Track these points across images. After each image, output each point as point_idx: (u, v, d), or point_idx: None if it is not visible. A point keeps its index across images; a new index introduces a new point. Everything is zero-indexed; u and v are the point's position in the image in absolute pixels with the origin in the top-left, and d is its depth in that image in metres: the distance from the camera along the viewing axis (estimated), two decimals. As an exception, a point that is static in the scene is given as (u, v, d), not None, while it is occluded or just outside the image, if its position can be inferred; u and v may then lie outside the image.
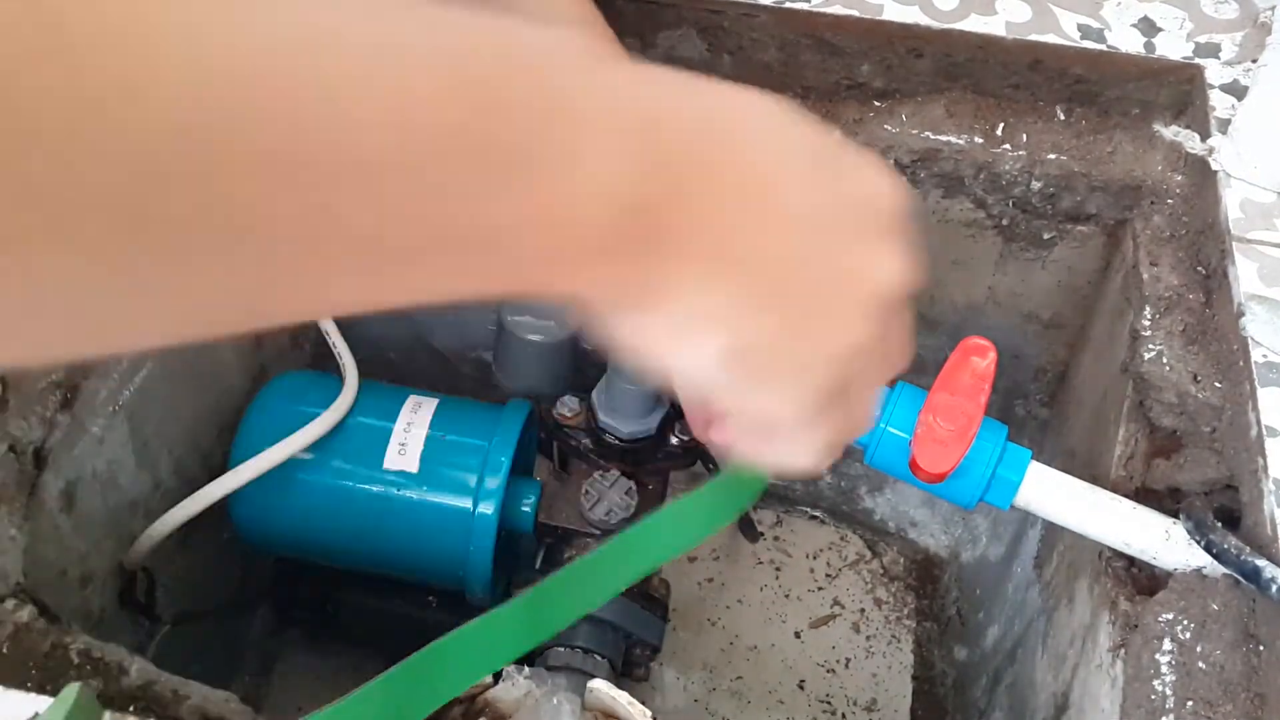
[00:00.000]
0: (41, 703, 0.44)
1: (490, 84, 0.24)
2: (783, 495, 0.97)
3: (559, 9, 0.55)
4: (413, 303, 0.26)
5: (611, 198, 0.26)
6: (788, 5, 0.69)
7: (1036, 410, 0.87)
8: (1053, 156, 0.69)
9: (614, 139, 0.26)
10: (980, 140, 0.69)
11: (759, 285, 0.30)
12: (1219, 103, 0.66)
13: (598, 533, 0.69)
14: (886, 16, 0.68)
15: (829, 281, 0.31)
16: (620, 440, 0.69)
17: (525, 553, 0.74)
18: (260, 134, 0.20)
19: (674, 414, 0.70)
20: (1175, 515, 0.54)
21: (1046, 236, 0.74)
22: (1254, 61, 0.68)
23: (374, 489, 0.67)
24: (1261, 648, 0.49)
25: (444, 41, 0.24)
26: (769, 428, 0.34)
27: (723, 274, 0.29)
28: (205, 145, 0.19)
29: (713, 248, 0.29)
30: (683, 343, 0.30)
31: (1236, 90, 0.67)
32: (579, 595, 0.39)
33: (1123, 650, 0.53)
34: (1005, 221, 0.73)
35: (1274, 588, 0.47)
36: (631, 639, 0.69)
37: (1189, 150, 0.66)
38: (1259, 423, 0.52)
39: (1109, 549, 0.57)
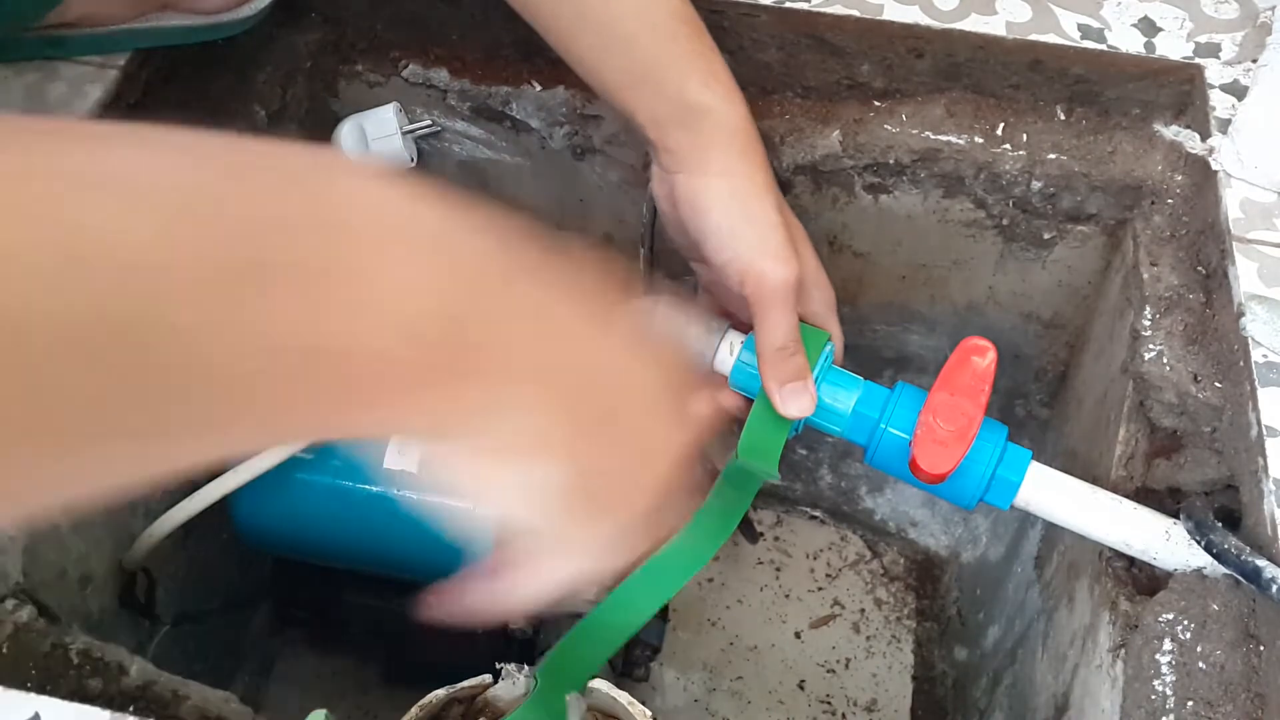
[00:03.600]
0: (41, 703, 0.44)
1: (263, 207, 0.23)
2: (783, 495, 0.97)
3: None
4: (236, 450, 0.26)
5: (410, 317, 0.24)
6: (788, 5, 0.69)
7: (1036, 410, 0.86)
8: (1053, 156, 0.69)
9: (405, 252, 0.24)
10: (980, 140, 0.69)
11: (584, 406, 0.28)
12: (1219, 103, 0.66)
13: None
14: (886, 16, 0.68)
15: (647, 412, 0.31)
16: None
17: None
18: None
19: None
20: (1175, 515, 0.54)
21: (1047, 236, 0.74)
22: (1254, 61, 0.68)
23: (374, 489, 0.66)
24: (1261, 648, 0.49)
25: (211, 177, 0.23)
26: (572, 548, 0.34)
27: (545, 395, 0.27)
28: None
29: (532, 369, 0.27)
30: (510, 468, 0.29)
31: (1236, 90, 0.66)
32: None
33: (1123, 650, 0.53)
34: (1005, 221, 0.73)
35: (1274, 588, 0.47)
36: (631, 639, 0.69)
37: (1189, 150, 0.66)
38: (1259, 423, 0.52)
39: (1109, 549, 0.57)
